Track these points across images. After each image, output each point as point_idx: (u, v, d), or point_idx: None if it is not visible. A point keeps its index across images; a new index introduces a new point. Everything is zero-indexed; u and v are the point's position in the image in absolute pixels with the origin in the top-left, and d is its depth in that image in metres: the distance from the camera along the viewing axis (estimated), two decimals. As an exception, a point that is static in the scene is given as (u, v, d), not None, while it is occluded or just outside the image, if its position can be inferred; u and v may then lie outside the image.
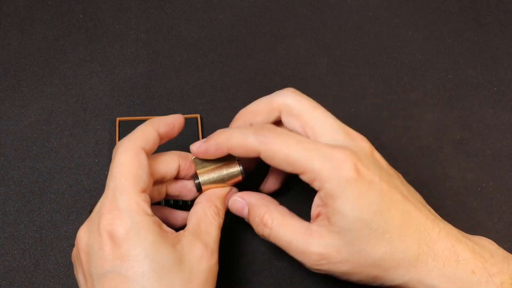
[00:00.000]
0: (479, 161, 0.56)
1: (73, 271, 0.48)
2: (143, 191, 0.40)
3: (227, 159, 0.46)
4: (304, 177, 0.41)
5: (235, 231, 0.51)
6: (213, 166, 0.46)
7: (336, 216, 0.40)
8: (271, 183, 0.51)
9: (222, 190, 0.46)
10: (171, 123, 0.45)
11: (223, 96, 0.59)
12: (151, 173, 0.43)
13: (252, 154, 0.42)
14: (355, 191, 0.40)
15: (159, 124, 0.44)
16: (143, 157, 0.41)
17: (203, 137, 0.55)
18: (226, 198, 0.46)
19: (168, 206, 0.49)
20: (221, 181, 0.46)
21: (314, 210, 0.43)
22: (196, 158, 0.46)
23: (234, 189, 0.47)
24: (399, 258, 0.40)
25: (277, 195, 0.49)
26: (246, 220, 0.46)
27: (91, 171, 0.53)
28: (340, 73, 0.61)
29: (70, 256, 0.49)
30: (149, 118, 0.56)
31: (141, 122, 0.55)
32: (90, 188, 0.52)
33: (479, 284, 0.40)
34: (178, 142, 0.51)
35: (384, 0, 0.67)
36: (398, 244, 0.40)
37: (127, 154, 0.41)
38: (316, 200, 0.42)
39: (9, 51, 0.61)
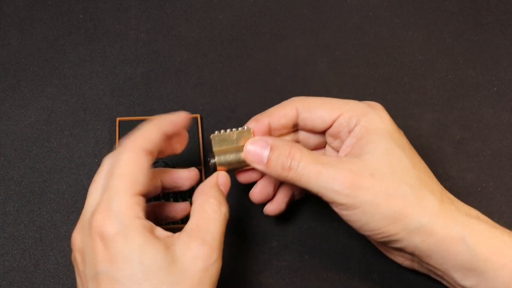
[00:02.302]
0: (479, 161, 0.56)
1: (73, 271, 0.48)
2: (139, 194, 0.40)
3: (246, 139, 0.45)
4: (340, 120, 0.44)
5: (235, 231, 0.51)
6: (231, 146, 0.45)
7: (370, 144, 0.42)
8: (276, 203, 0.49)
9: (212, 177, 0.44)
10: (176, 119, 0.44)
11: (223, 96, 0.59)
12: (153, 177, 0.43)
13: (290, 112, 0.45)
14: (390, 128, 0.43)
15: (162, 122, 0.43)
16: (144, 159, 0.41)
17: (203, 137, 0.55)
18: (220, 184, 0.44)
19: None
20: (237, 162, 0.44)
21: (343, 151, 0.45)
22: (214, 136, 0.45)
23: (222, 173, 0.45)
24: (424, 195, 0.41)
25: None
26: (261, 168, 0.44)
27: (91, 171, 0.53)
28: (340, 73, 0.61)
29: (70, 256, 0.49)
30: (149, 118, 0.56)
31: (141, 122, 0.56)
32: (90, 188, 0.52)
33: (502, 235, 0.41)
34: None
35: (384, 0, 0.67)
36: (424, 183, 0.42)
37: (128, 155, 0.40)
38: (347, 142, 0.44)
39: (9, 51, 0.61)
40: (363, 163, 0.42)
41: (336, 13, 0.66)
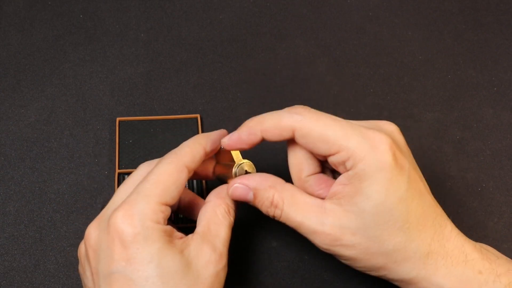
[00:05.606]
0: (479, 161, 0.56)
1: (73, 271, 0.48)
2: (166, 204, 0.40)
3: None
4: (337, 157, 0.40)
5: (235, 231, 0.51)
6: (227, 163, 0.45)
7: (360, 196, 0.39)
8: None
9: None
10: (218, 139, 0.44)
11: (223, 96, 0.59)
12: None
13: (286, 134, 0.41)
14: (387, 175, 0.39)
15: (207, 142, 0.43)
16: (183, 175, 0.41)
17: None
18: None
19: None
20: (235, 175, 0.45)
21: (334, 188, 0.41)
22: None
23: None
24: (411, 251, 0.40)
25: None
26: (251, 203, 0.44)
27: (91, 171, 0.53)
28: (340, 73, 0.61)
29: (70, 256, 0.49)
30: (149, 118, 0.56)
31: (141, 122, 0.56)
32: (90, 188, 0.52)
33: (486, 284, 0.40)
34: (179, 144, 0.51)
35: (384, 0, 0.67)
36: (414, 236, 0.40)
37: (169, 166, 0.41)
38: (340, 179, 0.41)
39: (9, 51, 0.61)
40: (347, 218, 0.40)
41: (336, 13, 0.66)
